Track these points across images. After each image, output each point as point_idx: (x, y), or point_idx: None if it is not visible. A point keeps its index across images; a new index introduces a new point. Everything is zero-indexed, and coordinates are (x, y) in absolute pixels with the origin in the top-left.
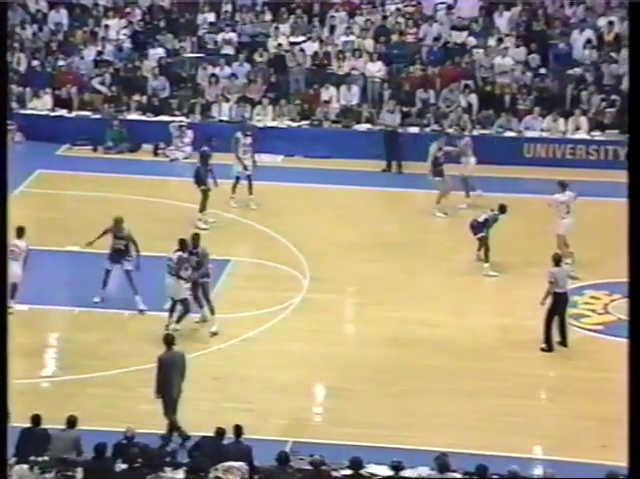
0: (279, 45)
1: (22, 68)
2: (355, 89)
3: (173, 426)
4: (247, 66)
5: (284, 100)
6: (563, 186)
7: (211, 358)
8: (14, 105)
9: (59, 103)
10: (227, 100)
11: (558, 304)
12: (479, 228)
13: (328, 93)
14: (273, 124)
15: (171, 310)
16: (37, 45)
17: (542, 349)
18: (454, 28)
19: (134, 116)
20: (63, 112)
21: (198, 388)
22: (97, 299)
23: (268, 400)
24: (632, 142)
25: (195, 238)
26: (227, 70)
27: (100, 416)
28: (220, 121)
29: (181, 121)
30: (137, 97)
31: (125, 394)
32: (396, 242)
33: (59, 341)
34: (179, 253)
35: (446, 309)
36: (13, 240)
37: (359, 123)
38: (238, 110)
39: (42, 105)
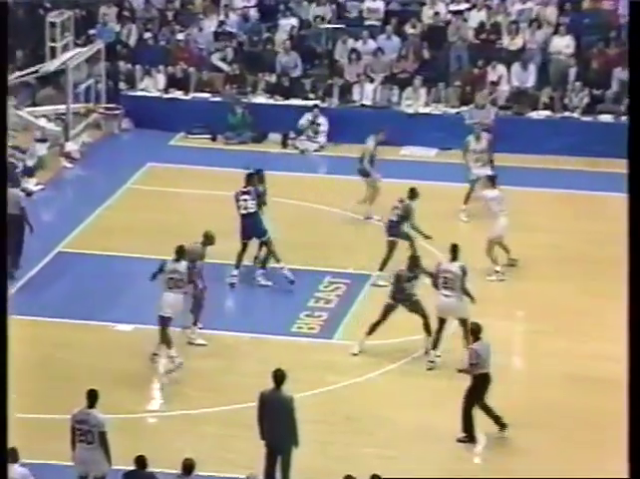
0: (436, 14)
1: (132, 42)
2: (531, 68)
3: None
4: (396, 39)
5: (441, 81)
6: (492, 180)
7: (346, 394)
8: (122, 85)
9: (173, 83)
10: (371, 80)
11: (483, 388)
12: (395, 228)
13: (496, 73)
14: (426, 110)
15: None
16: (150, 15)
17: (460, 441)
18: None
19: (260, 99)
20: (178, 94)
21: (328, 430)
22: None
23: (413, 446)
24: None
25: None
26: (372, 44)
27: (214, 459)
28: (362, 105)
29: (315, 105)
30: (264, 76)
31: (244, 434)
32: (577, 257)
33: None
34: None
35: None
36: None
37: (535, 109)
38: (384, 93)
39: (154, 85)
